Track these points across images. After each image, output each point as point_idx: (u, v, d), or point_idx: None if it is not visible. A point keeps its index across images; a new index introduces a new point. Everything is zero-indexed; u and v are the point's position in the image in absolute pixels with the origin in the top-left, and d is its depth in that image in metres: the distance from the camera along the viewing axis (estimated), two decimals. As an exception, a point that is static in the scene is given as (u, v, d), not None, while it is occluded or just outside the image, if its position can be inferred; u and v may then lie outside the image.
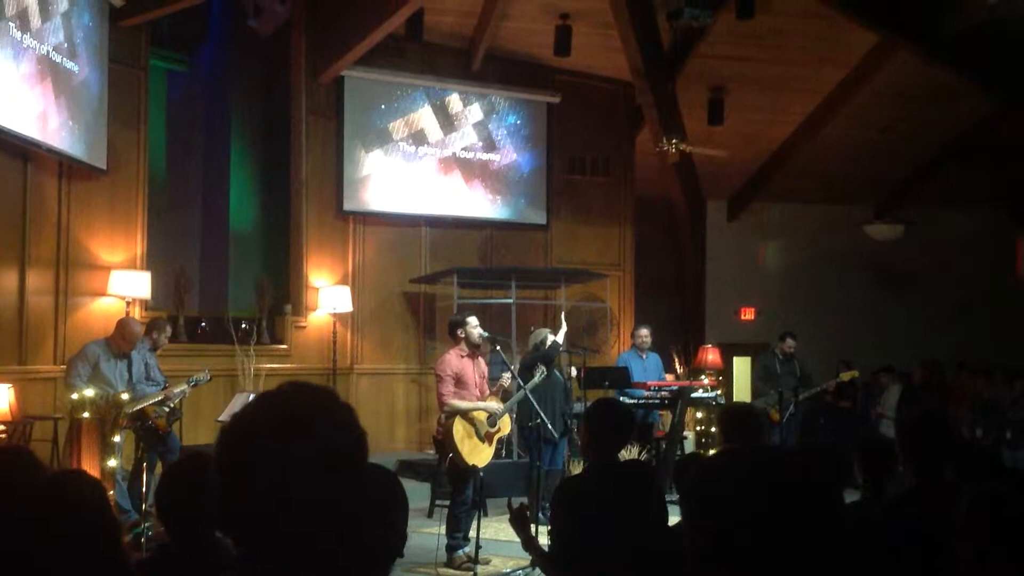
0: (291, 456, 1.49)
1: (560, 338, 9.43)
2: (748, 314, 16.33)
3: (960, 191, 15.50)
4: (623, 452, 6.62)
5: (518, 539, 4.19)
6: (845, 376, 11.76)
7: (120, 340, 8.29)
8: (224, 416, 9.04)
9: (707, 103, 13.19)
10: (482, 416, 7.85)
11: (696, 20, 9.98)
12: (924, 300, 15.97)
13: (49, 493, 2.70)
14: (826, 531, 1.61)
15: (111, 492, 7.33)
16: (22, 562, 2.53)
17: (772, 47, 12.25)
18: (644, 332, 10.98)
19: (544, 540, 4.35)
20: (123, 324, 8.53)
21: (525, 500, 7.89)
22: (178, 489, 3.07)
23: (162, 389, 8.39)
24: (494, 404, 7.98)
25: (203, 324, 11.44)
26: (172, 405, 8.34)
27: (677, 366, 13.04)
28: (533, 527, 4.72)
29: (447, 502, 8.06)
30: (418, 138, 12.79)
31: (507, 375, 8.23)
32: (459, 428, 7.73)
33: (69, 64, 9.37)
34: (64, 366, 9.02)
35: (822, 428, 12.97)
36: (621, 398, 10.00)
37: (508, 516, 4.20)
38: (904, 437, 3.90)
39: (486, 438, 7.84)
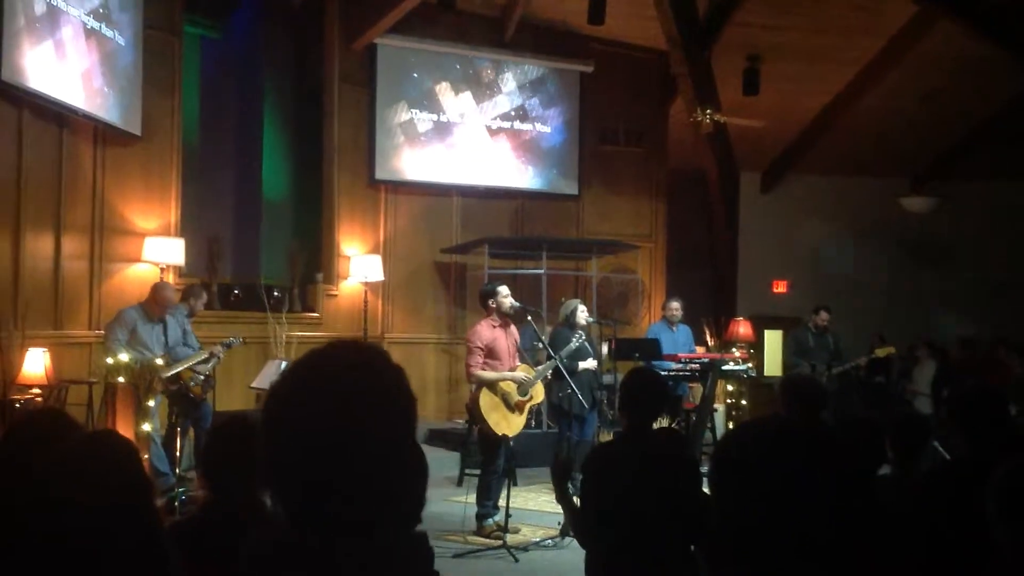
0: (342, 420, 1.47)
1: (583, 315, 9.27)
2: (781, 287, 16.21)
3: (998, 165, 15.28)
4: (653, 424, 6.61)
5: (547, 508, 4.21)
6: (881, 352, 11.63)
7: (154, 304, 8.38)
8: (256, 383, 9.12)
9: (742, 73, 13.04)
10: (511, 386, 7.85)
11: (733, -12, 9.86)
12: (960, 275, 15.79)
13: (81, 451, 2.72)
14: (853, 504, 1.59)
15: (145, 456, 7.41)
16: (57, 520, 2.56)
17: (809, 16, 12.08)
18: (675, 305, 10.94)
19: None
20: (157, 288, 8.63)
21: (569, 453, 7.95)
22: (223, 447, 3.12)
23: (199, 351, 8.47)
24: (521, 374, 7.95)
25: (236, 291, 11.50)
26: (207, 372, 8.42)
27: (708, 338, 12.99)
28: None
29: (477, 471, 8.09)
30: (450, 107, 12.75)
31: (539, 345, 8.22)
32: (486, 399, 7.74)
33: (105, 30, 9.40)
34: (99, 331, 9.13)
35: (856, 403, 12.89)
36: (651, 370, 9.97)
37: (550, 466, 4.19)
38: (958, 409, 3.86)
39: (516, 407, 7.84)
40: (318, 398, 1.49)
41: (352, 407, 1.48)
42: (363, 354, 1.56)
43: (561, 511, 4.20)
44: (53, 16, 8.61)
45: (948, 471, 3.76)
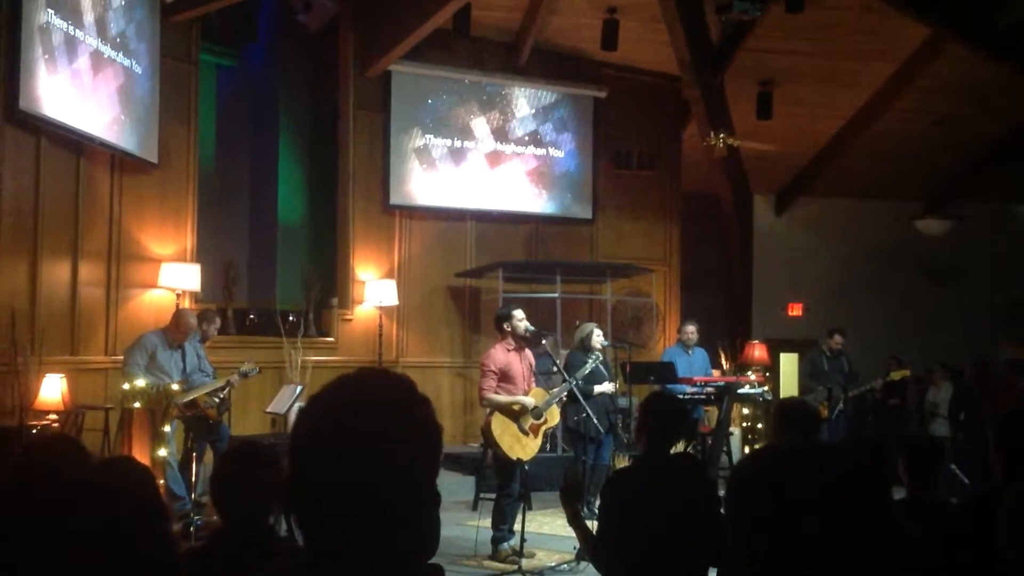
0: (371, 450, 1.48)
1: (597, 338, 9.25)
2: (796, 310, 16.17)
3: (1012, 187, 15.26)
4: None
5: (563, 532, 4.20)
6: (896, 375, 11.58)
7: (175, 331, 8.44)
8: (271, 408, 9.14)
9: (755, 97, 13.07)
10: (523, 410, 7.82)
11: (746, 14, 9.89)
12: (974, 297, 15.73)
13: (97, 478, 2.73)
14: (870, 529, 1.59)
15: (161, 482, 7.43)
16: (74, 545, 2.57)
17: (822, 41, 12.11)
18: (691, 328, 10.93)
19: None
20: (179, 315, 8.69)
21: (578, 474, 7.90)
22: (235, 474, 3.12)
23: (214, 379, 8.51)
24: (529, 399, 7.89)
25: (251, 316, 11.55)
26: (222, 396, 8.45)
27: (723, 362, 12.96)
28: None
29: (492, 495, 8.07)
30: (464, 132, 12.81)
31: (554, 368, 8.21)
32: (497, 424, 7.73)
33: (122, 59, 9.50)
34: (115, 357, 9.17)
35: (871, 425, 12.83)
36: (667, 393, 9.96)
37: (559, 489, 4.19)
38: (997, 434, 3.79)
39: (531, 431, 7.82)
40: (348, 427, 1.50)
41: (382, 438, 1.49)
42: (393, 384, 1.57)
43: (575, 535, 4.19)
44: (71, 45, 8.70)
45: (988, 498, 3.66)
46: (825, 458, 1.65)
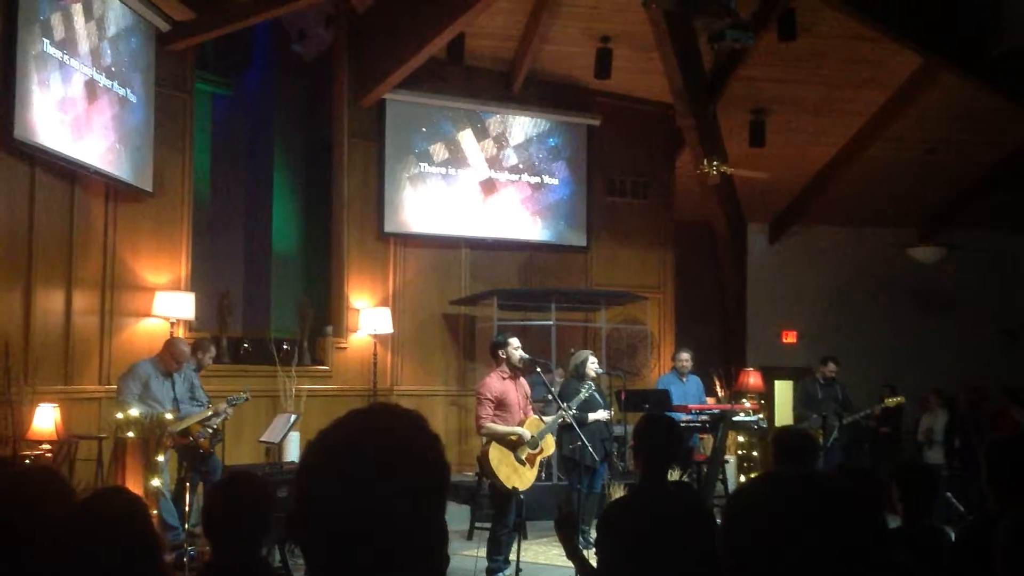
0: (381, 487, 1.48)
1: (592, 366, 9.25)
2: (790, 337, 16.19)
3: (1005, 214, 15.31)
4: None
5: (558, 563, 4.18)
6: (891, 402, 11.58)
7: (169, 359, 8.42)
8: (266, 437, 9.11)
9: (748, 125, 13.13)
10: (519, 439, 7.80)
11: (738, 42, 9.94)
12: (967, 325, 15.75)
13: (90, 507, 2.72)
14: (863, 557, 1.59)
15: (154, 512, 7.40)
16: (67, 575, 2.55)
17: (814, 69, 12.19)
18: (685, 356, 10.94)
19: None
20: (172, 343, 8.67)
21: (573, 507, 7.88)
22: (227, 506, 3.10)
23: (206, 408, 8.48)
24: (526, 431, 7.86)
25: (246, 345, 11.53)
26: (215, 426, 8.42)
27: (718, 389, 12.96)
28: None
29: (487, 524, 8.04)
30: (459, 160, 12.85)
31: (548, 397, 8.21)
32: (495, 453, 7.71)
33: (117, 88, 9.53)
34: (109, 386, 9.14)
35: (866, 453, 12.82)
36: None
37: (554, 522, 4.17)
38: (990, 463, 3.75)
39: (527, 460, 7.80)
40: (356, 461, 1.50)
41: (389, 472, 1.50)
42: (402, 419, 1.58)
43: (572, 566, 4.17)
44: (65, 74, 8.73)
45: (982, 527, 3.63)
46: (818, 487, 1.65)
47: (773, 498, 1.64)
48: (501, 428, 7.76)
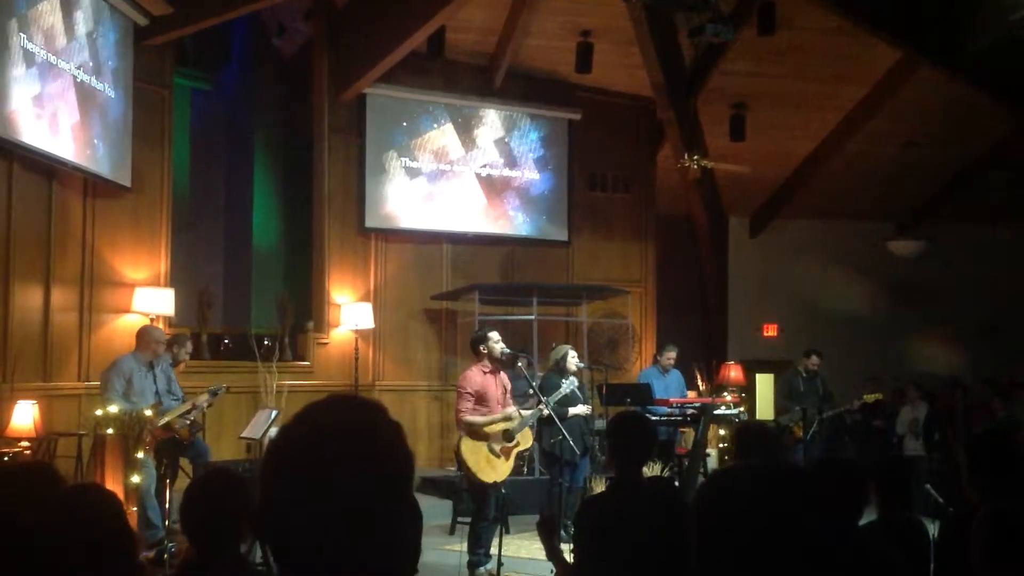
0: (341, 478, 1.47)
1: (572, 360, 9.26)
2: (771, 331, 16.24)
3: (983, 207, 15.39)
4: (645, 469, 6.61)
5: (540, 556, 4.18)
6: (869, 398, 11.62)
7: (146, 347, 8.33)
8: (247, 433, 9.08)
9: (729, 119, 13.17)
10: (497, 430, 7.82)
11: (717, 37, 9.97)
12: (947, 317, 15.83)
13: (65, 505, 2.71)
14: (836, 549, 1.60)
15: (134, 509, 7.36)
16: (39, 573, 2.54)
17: (794, 63, 12.23)
18: (671, 354, 10.91)
19: (567, 558, 4.34)
20: (145, 332, 8.60)
21: (553, 506, 7.89)
22: (204, 503, 3.10)
23: (185, 402, 8.44)
24: (513, 410, 7.92)
25: (226, 341, 11.49)
26: (191, 418, 8.36)
27: (699, 383, 12.99)
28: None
29: (468, 519, 8.05)
30: (440, 155, 12.83)
31: (529, 391, 8.22)
32: (467, 445, 7.71)
33: (95, 83, 9.47)
34: (89, 383, 9.10)
35: (847, 446, 12.86)
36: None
37: (536, 524, 4.18)
38: (969, 455, 3.78)
39: (502, 453, 7.81)
40: (313, 455, 1.49)
41: (351, 466, 1.48)
42: (362, 410, 1.56)
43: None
44: (44, 69, 8.67)
45: (961, 519, 3.64)
46: (789, 480, 1.66)
47: (740, 493, 1.65)
48: (481, 419, 7.76)
